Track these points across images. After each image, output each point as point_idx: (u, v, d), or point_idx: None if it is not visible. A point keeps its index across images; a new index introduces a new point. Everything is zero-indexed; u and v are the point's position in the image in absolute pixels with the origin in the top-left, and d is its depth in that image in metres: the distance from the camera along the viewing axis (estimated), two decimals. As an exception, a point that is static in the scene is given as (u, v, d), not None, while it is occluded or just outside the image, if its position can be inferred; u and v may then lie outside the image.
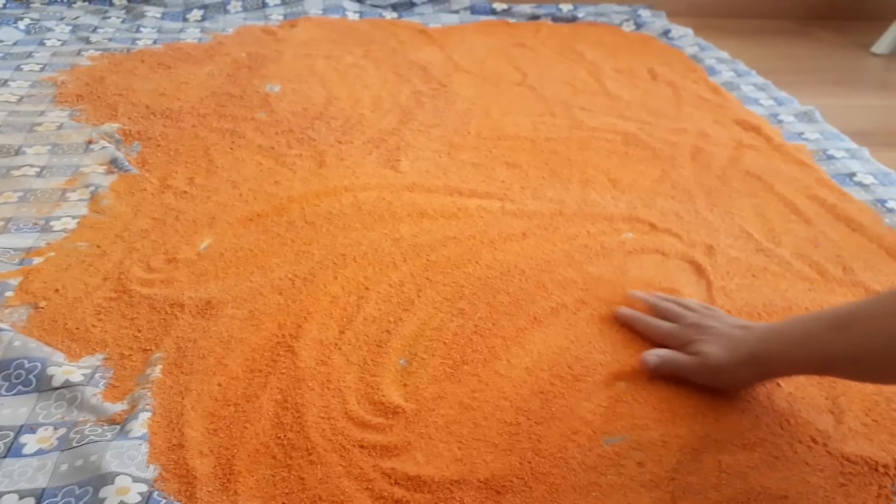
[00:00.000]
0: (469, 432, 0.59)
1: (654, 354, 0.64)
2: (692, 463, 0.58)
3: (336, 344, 0.67)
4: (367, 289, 0.74)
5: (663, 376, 0.64)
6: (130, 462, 0.53)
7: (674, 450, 0.59)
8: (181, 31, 1.37)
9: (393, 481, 0.55)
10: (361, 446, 0.57)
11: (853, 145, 1.06)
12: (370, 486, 0.54)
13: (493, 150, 1.00)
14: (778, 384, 0.65)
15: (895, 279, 0.79)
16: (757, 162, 1.00)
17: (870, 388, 0.65)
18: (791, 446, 0.60)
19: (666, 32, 1.47)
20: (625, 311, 0.71)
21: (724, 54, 1.39)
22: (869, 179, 0.97)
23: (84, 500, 0.51)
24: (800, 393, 0.64)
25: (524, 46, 1.37)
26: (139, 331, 0.67)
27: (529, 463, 0.57)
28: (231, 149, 0.98)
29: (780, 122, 1.13)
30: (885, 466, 0.58)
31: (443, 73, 1.23)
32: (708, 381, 0.62)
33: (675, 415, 0.61)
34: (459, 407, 0.61)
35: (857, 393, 0.64)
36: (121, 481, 0.51)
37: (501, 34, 1.44)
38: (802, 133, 1.09)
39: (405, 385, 0.63)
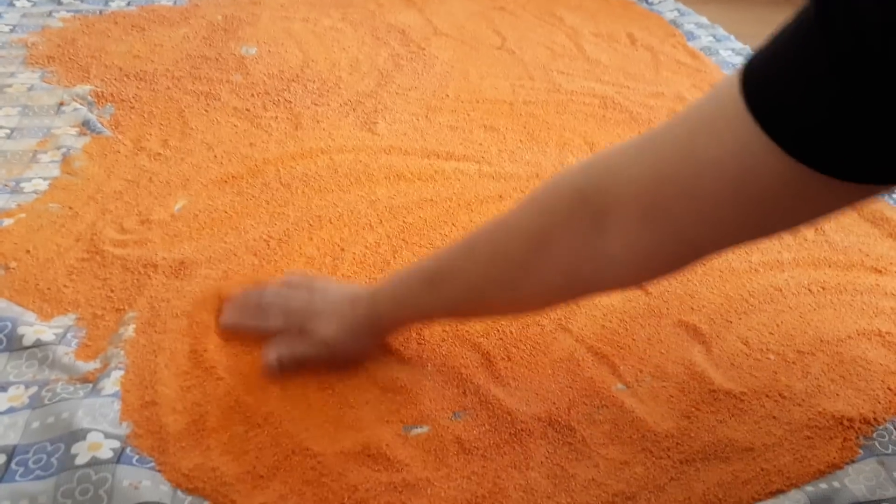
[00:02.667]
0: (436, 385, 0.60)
1: (273, 353, 0.59)
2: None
3: (311, 304, 0.67)
4: (342, 250, 0.74)
5: (289, 372, 0.59)
6: (103, 419, 0.54)
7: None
8: (155, -8, 1.34)
9: (352, 443, 0.55)
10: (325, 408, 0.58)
11: (829, 110, 1.06)
12: (340, 441, 0.55)
13: (470, 114, 1.00)
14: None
15: (865, 240, 0.80)
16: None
17: (836, 346, 0.66)
18: (759, 401, 0.61)
19: (646, -3, 1.46)
20: (228, 320, 0.64)
21: (703, 19, 1.38)
22: (843, 143, 0.98)
23: (56, 455, 0.51)
24: (769, 349, 0.65)
25: (504, 10, 1.36)
26: (112, 291, 0.67)
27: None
28: (206, 111, 0.96)
29: (757, 86, 1.13)
30: (850, 420, 0.59)
31: (421, 36, 1.22)
32: (332, 360, 0.60)
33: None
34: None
35: (824, 351, 0.66)
36: (93, 437, 0.51)
37: (481, -2, 1.42)
38: (779, 97, 1.10)
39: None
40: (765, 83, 0.37)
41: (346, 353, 0.60)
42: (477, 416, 0.58)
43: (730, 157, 0.39)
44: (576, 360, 0.63)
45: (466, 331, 0.65)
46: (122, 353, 0.60)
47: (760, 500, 0.53)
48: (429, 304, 0.57)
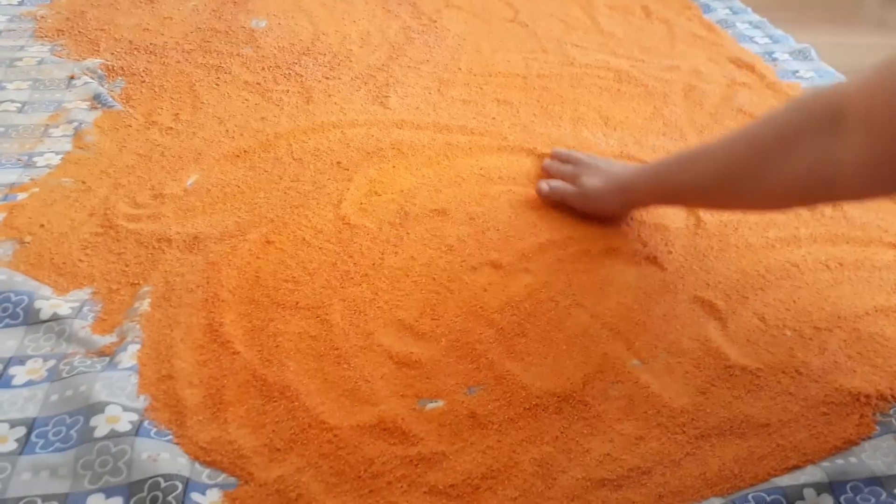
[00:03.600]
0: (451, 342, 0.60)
1: (546, 183, 0.76)
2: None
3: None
4: (353, 224, 0.73)
5: (554, 203, 0.76)
6: (120, 392, 0.54)
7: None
8: (163, -36, 1.33)
9: (368, 416, 0.55)
10: (341, 381, 0.58)
11: (847, 83, 1.04)
12: (356, 414, 0.55)
13: (483, 87, 0.99)
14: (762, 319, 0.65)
15: (884, 216, 0.79)
16: (750, 100, 0.99)
17: (853, 322, 0.66)
18: (775, 377, 0.61)
19: (662, -32, 1.43)
20: (546, 161, 0.82)
21: (720, -9, 1.36)
22: (862, 117, 0.96)
23: (75, 428, 0.51)
24: (785, 325, 0.65)
25: (517, -18, 1.34)
26: (126, 265, 0.67)
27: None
28: (217, 85, 0.96)
29: (774, 60, 1.11)
30: (867, 396, 0.59)
31: (433, 8, 1.20)
32: (587, 208, 0.74)
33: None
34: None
35: (842, 327, 0.65)
36: (111, 410, 0.52)
37: (493, -31, 1.40)
38: (797, 71, 1.08)
39: (391, 316, 0.63)
40: None
41: (598, 205, 0.73)
42: (492, 391, 0.58)
43: None
44: (590, 336, 0.63)
45: (481, 307, 0.65)
46: (138, 326, 0.60)
47: (777, 475, 0.53)
48: (681, 182, 0.65)
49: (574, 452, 0.54)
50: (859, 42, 1.29)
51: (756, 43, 1.16)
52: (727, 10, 1.28)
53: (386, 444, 0.54)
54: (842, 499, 0.51)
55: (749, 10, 1.28)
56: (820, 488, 0.51)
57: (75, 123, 0.85)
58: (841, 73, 1.08)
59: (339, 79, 0.99)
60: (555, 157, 0.82)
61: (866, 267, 0.72)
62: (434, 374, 0.59)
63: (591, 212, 0.74)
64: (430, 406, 0.57)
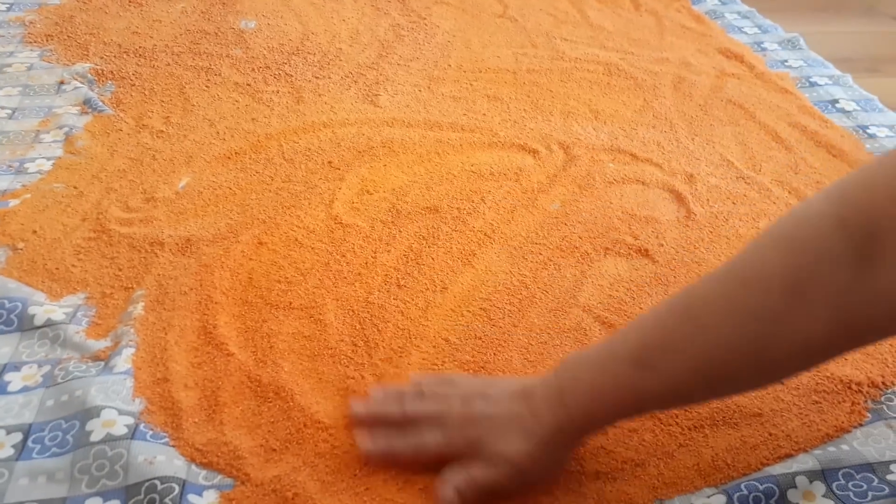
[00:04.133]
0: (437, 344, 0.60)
1: (449, 488, 0.47)
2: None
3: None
4: (346, 225, 0.73)
5: None
6: (116, 396, 0.54)
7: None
8: (151, -34, 1.32)
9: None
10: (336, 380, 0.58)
11: (836, 72, 1.05)
12: (348, 415, 0.55)
13: (473, 83, 0.99)
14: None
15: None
16: (739, 90, 0.99)
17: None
18: (766, 366, 0.61)
19: (650, -40, 1.43)
20: (367, 444, 0.51)
21: (709, -18, 1.36)
22: (851, 106, 0.97)
23: (71, 433, 0.51)
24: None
25: (505, -23, 1.34)
26: (120, 269, 0.67)
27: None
28: (207, 87, 0.96)
29: (763, 50, 1.11)
30: (858, 384, 0.60)
31: (422, 5, 1.21)
32: (526, 482, 0.48)
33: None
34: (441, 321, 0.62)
35: (831, 314, 0.65)
36: (107, 414, 0.52)
37: (482, -35, 1.40)
38: (786, 61, 1.08)
39: (385, 314, 0.64)
40: None
41: (540, 471, 0.48)
42: (486, 386, 0.58)
43: None
44: (583, 330, 0.64)
45: (474, 301, 0.65)
46: (133, 330, 0.60)
47: (769, 464, 0.53)
48: (642, 392, 0.45)
49: (568, 446, 0.54)
50: (847, 30, 1.29)
51: (745, 33, 1.17)
52: (716, 2, 1.28)
53: (381, 441, 0.54)
54: (834, 485, 0.51)
55: (738, 0, 1.29)
56: (812, 476, 0.52)
57: (66, 128, 0.85)
58: (830, 61, 1.08)
59: (329, 78, 0.99)
60: (372, 421, 0.52)
61: (856, 255, 0.72)
62: (431, 369, 0.59)
63: (537, 480, 0.49)
64: (425, 403, 0.57)
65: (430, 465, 0.50)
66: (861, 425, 0.56)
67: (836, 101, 0.98)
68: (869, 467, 0.53)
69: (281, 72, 0.99)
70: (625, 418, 0.52)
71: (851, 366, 0.61)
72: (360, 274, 0.68)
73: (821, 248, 0.39)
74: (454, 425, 0.49)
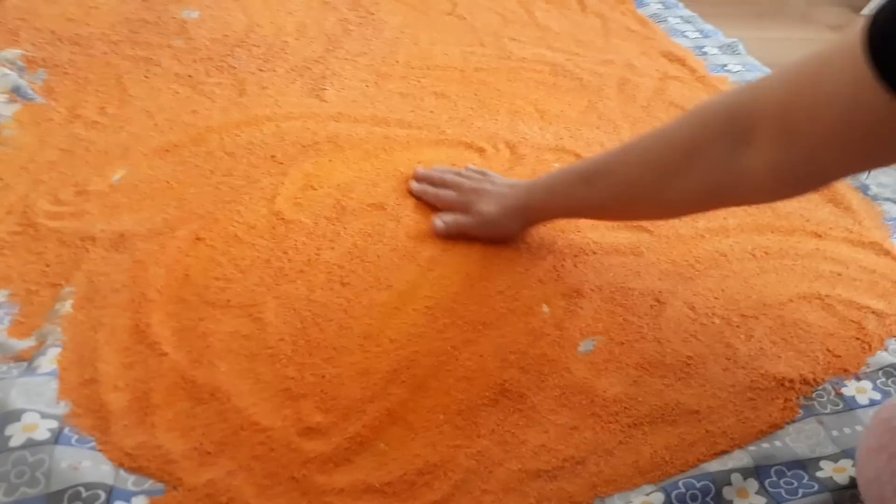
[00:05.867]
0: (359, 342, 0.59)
1: (440, 220, 0.72)
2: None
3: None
4: (287, 220, 0.72)
5: (452, 237, 0.71)
6: (39, 398, 0.52)
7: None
8: (88, -49, 1.27)
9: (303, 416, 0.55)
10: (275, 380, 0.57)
11: (774, 77, 1.08)
12: (289, 414, 0.54)
13: (421, 80, 0.98)
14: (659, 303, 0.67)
15: (806, 206, 0.81)
16: (681, 93, 1.01)
17: (778, 310, 0.68)
18: (704, 364, 0.62)
19: (598, -37, 1.45)
20: (415, 185, 0.77)
21: (654, -14, 1.38)
22: (788, 111, 0.99)
23: (-11, 438, 0.49)
24: (714, 314, 0.66)
25: (455, -25, 1.33)
26: (47, 265, 0.64)
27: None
28: (146, 77, 0.92)
29: (704, 53, 1.14)
30: (790, 381, 0.61)
31: (370, 0, 1.19)
32: (487, 235, 0.71)
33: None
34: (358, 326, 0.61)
35: (767, 314, 0.67)
36: (28, 418, 0.49)
37: (431, -38, 1.39)
38: (726, 65, 1.11)
39: (328, 312, 0.62)
40: (882, 37, 0.41)
41: (498, 230, 0.70)
42: (430, 382, 0.58)
43: (846, 92, 0.44)
44: (534, 315, 0.64)
45: (417, 299, 0.65)
46: (59, 329, 0.58)
47: (706, 460, 0.54)
48: (579, 198, 0.64)
49: (510, 444, 0.54)
50: (784, 36, 1.33)
51: (687, 37, 1.19)
52: (659, 5, 1.30)
53: (320, 444, 0.53)
54: (766, 483, 0.53)
55: (680, 5, 1.31)
56: (746, 473, 0.53)
57: (-8, 117, 0.81)
58: (767, 66, 1.11)
59: (274, 71, 0.97)
60: (422, 179, 0.77)
61: (790, 255, 0.74)
62: (372, 370, 0.58)
63: (492, 237, 0.71)
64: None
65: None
66: (793, 421, 0.58)
67: (774, 105, 1.00)
68: (800, 464, 0.54)
69: (224, 63, 0.97)
70: (566, 216, 0.71)
71: (784, 363, 0.63)
72: (302, 271, 0.66)
73: (714, 129, 0.53)
74: (463, 192, 0.73)
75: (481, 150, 0.85)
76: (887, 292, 0.71)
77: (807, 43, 1.32)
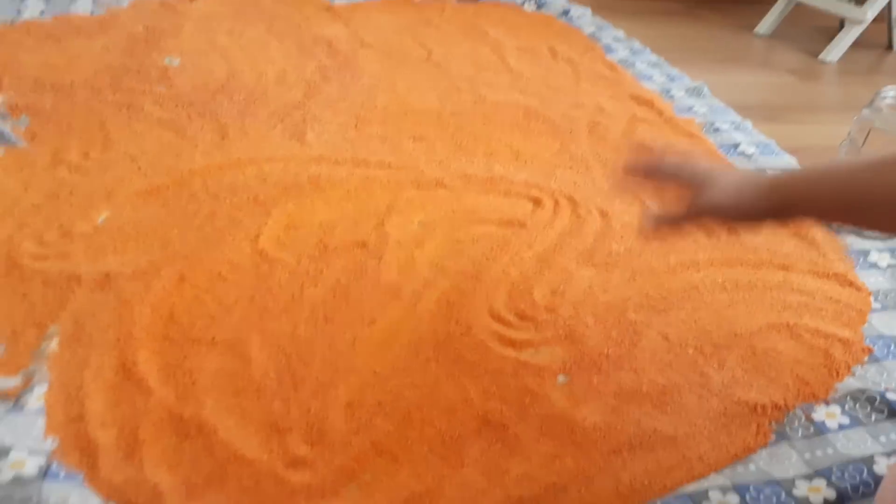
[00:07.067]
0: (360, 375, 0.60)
1: (652, 216, 0.61)
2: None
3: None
4: (272, 259, 0.73)
5: (666, 227, 0.60)
6: (26, 435, 0.52)
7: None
8: (71, 1, 1.30)
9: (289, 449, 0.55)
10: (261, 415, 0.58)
11: (738, 118, 1.13)
12: (276, 447, 0.55)
13: (399, 124, 1.01)
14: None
15: (772, 240, 0.85)
16: (649, 134, 1.05)
17: (749, 339, 0.70)
18: (679, 393, 0.64)
19: (565, 12, 1.51)
20: (629, 166, 0.62)
21: (621, 33, 1.44)
22: (751, 150, 1.04)
23: (-24, 476, 0.49)
24: (687, 344, 0.69)
25: (429, 24, 1.38)
26: (32, 306, 0.65)
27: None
28: (128, 122, 0.94)
29: (671, 96, 1.19)
30: (763, 407, 0.63)
31: (348, 48, 1.23)
32: (727, 221, 0.58)
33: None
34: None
35: (738, 344, 0.69)
36: (16, 455, 0.50)
37: (407, 12, 1.44)
38: (692, 107, 1.16)
39: (312, 348, 0.64)
40: None
41: (738, 217, 0.58)
42: (414, 415, 0.59)
43: None
44: (507, 359, 0.65)
45: (395, 336, 0.66)
46: (45, 368, 0.58)
47: (683, 484, 0.56)
48: (862, 186, 0.51)
49: (493, 473, 0.55)
50: (746, 80, 1.40)
51: (654, 81, 1.24)
52: (627, 51, 1.36)
53: (306, 476, 0.53)
54: (746, 496, 0.54)
55: (648, 50, 1.37)
56: (725, 489, 0.54)
57: (-24, 162, 0.82)
58: (731, 107, 1.16)
59: (255, 115, 0.99)
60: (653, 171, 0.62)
61: (759, 287, 0.77)
62: (357, 403, 0.59)
63: (734, 222, 0.59)
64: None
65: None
66: (766, 446, 0.60)
67: (738, 144, 1.05)
68: (776, 483, 0.56)
69: (206, 109, 0.99)
70: (832, 217, 0.63)
71: (756, 390, 0.65)
72: (286, 308, 0.68)
73: None
74: (696, 173, 0.58)
75: (457, 190, 0.87)
76: (852, 321, 0.74)
77: (769, 86, 1.39)
